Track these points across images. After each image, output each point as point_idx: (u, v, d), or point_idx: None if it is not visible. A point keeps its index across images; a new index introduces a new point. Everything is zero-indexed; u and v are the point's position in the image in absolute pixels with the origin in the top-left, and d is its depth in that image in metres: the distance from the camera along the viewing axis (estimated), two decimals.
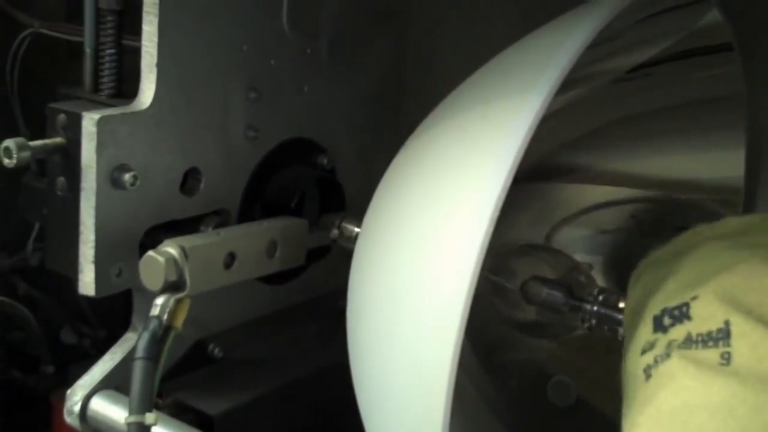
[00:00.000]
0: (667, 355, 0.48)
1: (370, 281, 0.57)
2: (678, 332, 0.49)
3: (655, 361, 0.48)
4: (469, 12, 0.90)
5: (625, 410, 0.50)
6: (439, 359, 0.47)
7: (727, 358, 0.45)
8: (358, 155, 0.86)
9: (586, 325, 0.67)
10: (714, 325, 0.47)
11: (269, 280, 0.78)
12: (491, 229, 0.47)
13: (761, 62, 0.74)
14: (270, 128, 0.76)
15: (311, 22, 0.78)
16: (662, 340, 0.49)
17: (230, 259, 0.68)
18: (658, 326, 0.50)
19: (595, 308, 0.67)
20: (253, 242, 0.71)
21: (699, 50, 0.72)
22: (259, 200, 0.76)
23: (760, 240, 0.54)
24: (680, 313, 0.49)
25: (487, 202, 0.47)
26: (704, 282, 0.50)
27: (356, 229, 0.73)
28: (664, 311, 0.50)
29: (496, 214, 0.47)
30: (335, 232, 0.75)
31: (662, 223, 0.76)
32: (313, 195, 0.78)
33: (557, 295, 0.68)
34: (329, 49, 0.81)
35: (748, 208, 0.77)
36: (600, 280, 0.73)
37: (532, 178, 0.76)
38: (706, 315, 0.48)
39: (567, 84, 0.69)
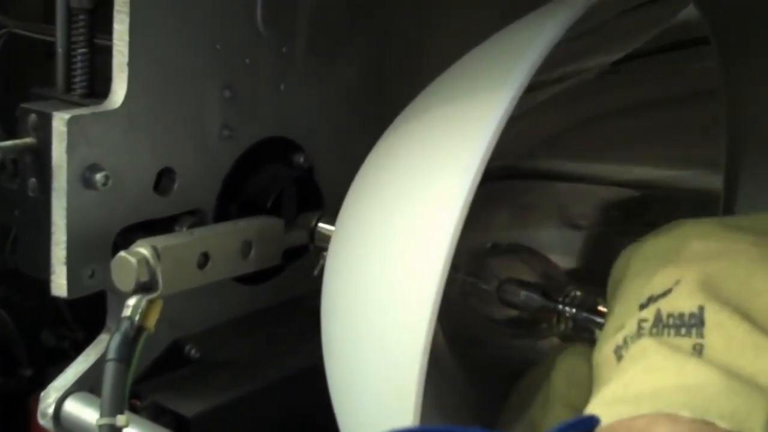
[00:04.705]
0: (639, 336, 0.47)
1: (342, 280, 0.57)
2: (649, 311, 0.48)
3: (625, 342, 0.47)
4: (451, 7, 0.90)
5: (594, 392, 0.49)
6: (411, 357, 0.47)
7: (699, 350, 0.44)
8: (337, 154, 0.85)
9: (562, 327, 0.67)
10: (687, 308, 0.46)
11: (246, 280, 0.77)
12: (460, 226, 0.47)
13: (743, 58, 0.73)
14: (246, 127, 0.76)
15: (287, 20, 0.78)
16: (634, 318, 0.48)
17: (204, 259, 0.68)
18: (640, 308, 0.49)
19: (573, 310, 0.67)
20: (228, 242, 0.70)
21: (678, 44, 0.72)
22: (235, 200, 0.76)
23: (749, 224, 0.53)
24: (660, 295, 0.48)
25: (456, 199, 0.47)
26: (688, 265, 0.49)
27: (333, 229, 0.73)
28: (649, 299, 0.49)
29: (466, 211, 0.47)
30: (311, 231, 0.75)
31: (637, 221, 0.76)
32: (290, 194, 0.77)
33: (534, 298, 0.68)
34: (306, 47, 0.80)
35: (728, 206, 0.76)
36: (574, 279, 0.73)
37: (509, 176, 0.75)
38: (682, 296, 0.47)
39: (547, 79, 0.69)
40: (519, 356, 0.75)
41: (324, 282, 0.59)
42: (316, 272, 0.70)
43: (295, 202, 0.78)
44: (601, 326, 0.64)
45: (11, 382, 0.92)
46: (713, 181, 0.75)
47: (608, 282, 0.57)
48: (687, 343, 0.45)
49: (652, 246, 0.54)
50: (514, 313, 0.69)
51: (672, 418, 0.41)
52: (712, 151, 0.75)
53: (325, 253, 0.64)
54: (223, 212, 0.75)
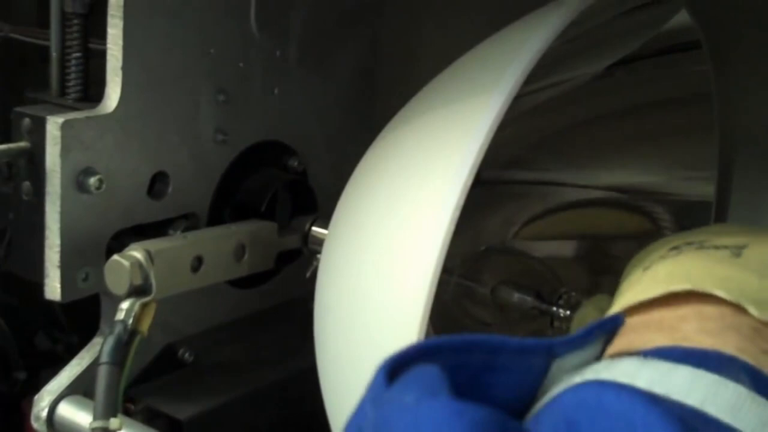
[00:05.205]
0: (678, 253, 0.46)
1: (335, 283, 0.57)
2: (691, 246, 0.47)
3: (662, 258, 0.46)
4: (443, 14, 0.90)
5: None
6: None
7: (737, 254, 0.44)
8: (331, 157, 0.85)
9: (556, 329, 0.67)
10: (732, 243, 0.45)
11: (240, 283, 0.78)
12: (452, 228, 0.47)
13: (735, 63, 0.74)
14: (239, 131, 0.76)
15: (280, 25, 0.78)
16: (673, 251, 0.47)
17: (197, 262, 0.68)
18: (674, 249, 0.48)
19: (566, 312, 0.67)
20: (221, 246, 0.70)
21: (670, 49, 0.72)
22: (228, 204, 0.76)
23: None
24: (699, 241, 0.47)
25: (447, 202, 0.47)
26: (723, 234, 0.49)
27: (326, 232, 0.73)
28: (684, 243, 0.48)
29: (457, 213, 0.47)
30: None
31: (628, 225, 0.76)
32: (283, 198, 0.78)
33: (527, 300, 0.68)
34: (299, 51, 0.80)
35: (720, 211, 0.76)
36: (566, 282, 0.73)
37: (501, 180, 0.76)
38: (726, 239, 0.46)
39: (541, 85, 0.70)
40: None
41: (317, 285, 0.60)
42: (308, 274, 0.71)
43: (289, 206, 0.78)
44: None
45: (5, 385, 0.92)
46: (705, 186, 0.75)
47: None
48: (725, 251, 0.44)
49: (674, 235, 0.54)
50: (507, 315, 0.70)
51: (701, 314, 0.40)
52: (704, 156, 0.75)
53: (318, 256, 0.65)
54: (216, 216, 0.75)
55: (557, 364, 0.36)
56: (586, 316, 0.58)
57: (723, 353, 0.36)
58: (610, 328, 0.39)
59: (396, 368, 0.32)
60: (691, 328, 0.39)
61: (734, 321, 0.39)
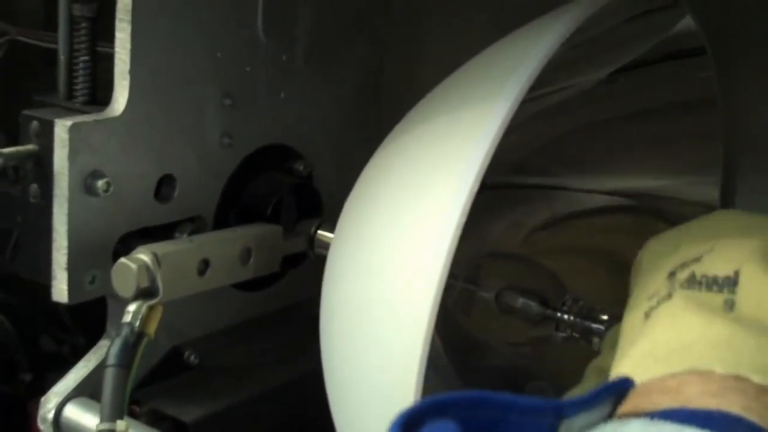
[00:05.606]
0: (669, 296, 0.46)
1: (341, 287, 0.57)
2: (683, 273, 0.47)
3: (658, 303, 0.46)
4: (447, 16, 0.90)
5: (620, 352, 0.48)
6: (408, 364, 0.48)
7: (731, 305, 0.43)
8: (336, 161, 0.86)
9: (561, 335, 0.67)
10: (723, 272, 0.45)
11: (246, 287, 0.78)
12: (459, 233, 0.47)
13: (740, 69, 0.74)
14: (246, 135, 0.76)
15: (287, 29, 0.78)
16: (668, 285, 0.47)
17: (204, 265, 0.68)
18: (670, 276, 0.48)
19: (570, 318, 0.67)
20: (227, 249, 0.70)
21: (675, 54, 0.72)
22: (234, 207, 0.76)
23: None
24: (693, 260, 0.47)
25: (454, 206, 0.47)
26: (720, 235, 0.49)
27: (332, 236, 0.73)
28: (681, 265, 0.48)
29: (464, 218, 0.47)
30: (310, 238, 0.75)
31: (634, 230, 0.76)
32: (289, 202, 0.78)
33: (532, 305, 0.69)
34: (305, 54, 0.81)
35: None
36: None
37: (505, 185, 0.76)
38: (717, 260, 0.46)
39: (545, 91, 0.70)
40: (520, 366, 0.75)
41: (323, 289, 0.60)
42: None
43: (295, 210, 0.78)
44: (601, 334, 0.64)
45: (11, 386, 0.92)
46: (709, 192, 0.75)
47: (631, 271, 0.56)
48: (717, 298, 0.44)
49: (677, 230, 0.54)
50: (512, 321, 0.70)
51: (703, 376, 0.39)
52: (708, 161, 0.75)
53: None
54: (222, 219, 0.76)
55: (566, 425, 0.36)
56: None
57: (728, 413, 0.37)
58: (619, 390, 0.39)
59: (410, 424, 0.33)
60: (694, 391, 0.39)
61: (737, 384, 0.39)
